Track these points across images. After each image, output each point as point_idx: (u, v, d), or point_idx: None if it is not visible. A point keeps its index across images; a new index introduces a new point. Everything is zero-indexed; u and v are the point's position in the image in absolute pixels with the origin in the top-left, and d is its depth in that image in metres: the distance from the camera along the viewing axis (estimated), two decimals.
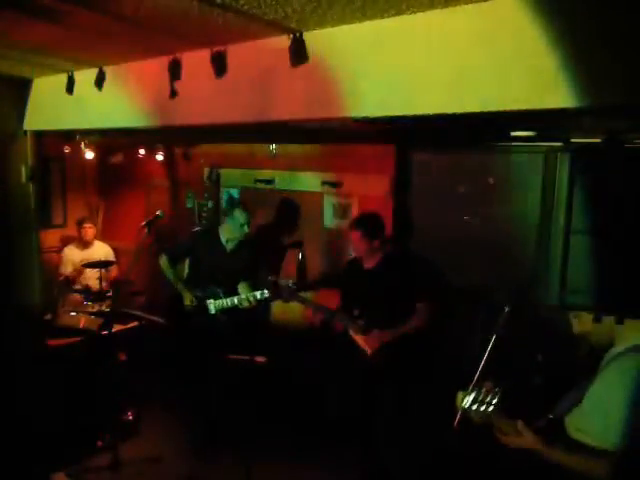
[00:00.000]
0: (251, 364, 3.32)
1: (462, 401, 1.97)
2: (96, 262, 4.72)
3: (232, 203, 3.98)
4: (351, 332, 3.25)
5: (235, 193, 5.28)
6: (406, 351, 3.12)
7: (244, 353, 3.34)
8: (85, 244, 5.26)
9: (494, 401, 1.91)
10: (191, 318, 3.77)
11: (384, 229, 3.29)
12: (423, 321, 3.10)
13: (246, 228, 3.77)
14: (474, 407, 1.93)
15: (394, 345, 3.12)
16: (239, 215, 3.74)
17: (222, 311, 3.70)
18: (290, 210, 4.73)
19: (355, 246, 3.25)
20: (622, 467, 1.65)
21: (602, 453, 1.70)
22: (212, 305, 3.72)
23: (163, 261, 3.88)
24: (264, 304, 3.51)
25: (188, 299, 3.75)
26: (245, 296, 3.57)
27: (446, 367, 3.44)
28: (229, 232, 3.81)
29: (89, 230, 5.25)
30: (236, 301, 3.62)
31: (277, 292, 3.47)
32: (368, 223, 3.20)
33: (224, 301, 3.69)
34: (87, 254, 5.20)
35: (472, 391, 1.96)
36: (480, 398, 1.94)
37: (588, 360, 2.04)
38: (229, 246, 3.83)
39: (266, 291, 3.52)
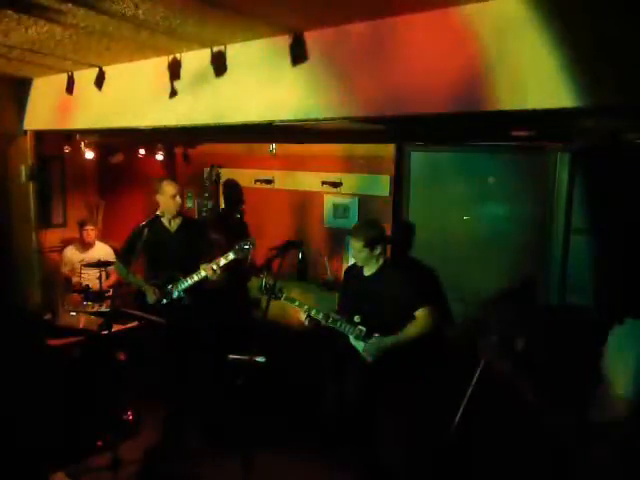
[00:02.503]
0: (251, 364, 3.32)
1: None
2: (96, 262, 4.72)
3: (160, 179, 4.04)
4: (351, 339, 3.24)
5: None
6: (406, 356, 3.12)
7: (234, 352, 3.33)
8: (86, 245, 5.27)
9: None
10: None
11: (385, 237, 3.28)
12: (423, 328, 3.10)
13: (178, 199, 3.83)
14: None
15: (394, 351, 3.12)
16: (168, 188, 3.80)
17: (187, 291, 3.72)
18: (234, 187, 5.10)
19: (356, 254, 3.23)
20: None
21: None
22: (173, 288, 3.74)
23: (116, 266, 3.94)
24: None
25: (150, 294, 3.76)
26: (214, 263, 3.56)
27: (445, 369, 3.44)
28: (165, 209, 3.84)
29: (91, 232, 5.26)
30: (203, 273, 3.61)
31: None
32: (369, 232, 3.18)
33: (185, 280, 3.71)
34: (87, 255, 5.21)
35: None
36: None
37: None
38: (173, 227, 3.90)
39: (247, 247, 3.51)
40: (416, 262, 3.91)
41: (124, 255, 3.91)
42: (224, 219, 5.12)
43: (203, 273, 3.62)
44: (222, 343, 3.51)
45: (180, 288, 3.73)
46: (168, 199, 3.80)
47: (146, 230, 3.83)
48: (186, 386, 3.88)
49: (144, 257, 3.95)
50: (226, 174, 5.22)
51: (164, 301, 3.76)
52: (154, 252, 3.86)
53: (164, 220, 3.88)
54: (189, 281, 3.70)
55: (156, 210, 3.83)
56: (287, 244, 3.29)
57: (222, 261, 3.56)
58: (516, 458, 2.86)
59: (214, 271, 3.57)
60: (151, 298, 3.77)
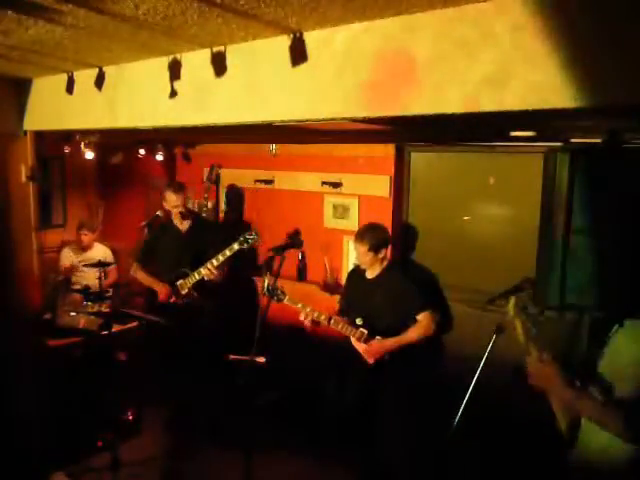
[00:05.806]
0: (251, 364, 3.32)
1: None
2: (95, 262, 4.72)
3: (167, 185, 4.06)
4: (352, 340, 3.25)
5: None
6: (407, 358, 3.13)
7: (238, 352, 3.34)
8: (83, 248, 5.29)
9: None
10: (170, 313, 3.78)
11: (390, 241, 3.31)
12: (425, 331, 3.11)
13: (181, 209, 3.87)
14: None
15: (395, 354, 3.13)
16: (170, 198, 3.85)
17: (196, 287, 3.75)
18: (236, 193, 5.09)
19: (360, 258, 3.25)
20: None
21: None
22: (182, 284, 3.77)
23: (134, 269, 3.96)
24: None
25: (161, 291, 3.79)
26: (220, 254, 3.60)
27: (445, 370, 3.44)
28: (173, 214, 3.91)
29: (84, 237, 5.26)
30: (214, 261, 3.61)
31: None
32: (374, 236, 3.20)
33: (194, 275, 3.73)
34: (85, 256, 5.23)
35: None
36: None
37: None
38: (184, 227, 3.94)
39: (252, 236, 3.54)
40: (417, 265, 3.91)
41: (142, 256, 3.96)
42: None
43: (209, 266, 3.63)
44: (226, 342, 3.52)
45: (189, 284, 3.74)
46: (171, 208, 3.86)
47: (159, 230, 3.90)
48: (186, 386, 3.88)
49: (155, 258, 4.00)
50: (226, 174, 5.21)
51: (174, 299, 3.78)
52: (164, 252, 3.91)
53: (175, 221, 3.91)
54: (197, 276, 3.71)
55: (156, 210, 3.85)
56: (286, 244, 3.29)
57: (227, 252, 3.58)
58: (514, 457, 2.86)
59: (214, 266, 3.60)
60: (162, 296, 3.78)
